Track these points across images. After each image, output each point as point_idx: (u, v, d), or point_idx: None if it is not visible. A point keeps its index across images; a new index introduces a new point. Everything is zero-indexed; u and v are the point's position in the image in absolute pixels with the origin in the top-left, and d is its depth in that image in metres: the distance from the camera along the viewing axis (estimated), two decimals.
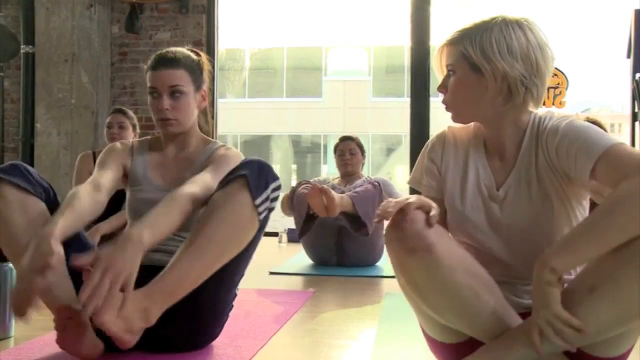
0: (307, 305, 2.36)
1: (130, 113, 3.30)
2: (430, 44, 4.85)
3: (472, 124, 1.38)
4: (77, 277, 1.47)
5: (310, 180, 3.44)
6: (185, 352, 1.62)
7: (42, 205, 1.56)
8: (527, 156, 1.29)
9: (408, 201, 1.17)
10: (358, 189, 3.27)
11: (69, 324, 1.41)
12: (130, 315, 1.39)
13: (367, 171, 3.79)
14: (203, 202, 1.53)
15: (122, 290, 1.32)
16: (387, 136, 18.89)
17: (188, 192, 1.52)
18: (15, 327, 1.85)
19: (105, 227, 2.80)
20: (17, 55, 4.91)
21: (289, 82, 19.19)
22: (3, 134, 5.02)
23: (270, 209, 1.56)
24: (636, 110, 4.38)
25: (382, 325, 2.01)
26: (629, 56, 4.47)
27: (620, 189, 1.07)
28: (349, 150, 3.65)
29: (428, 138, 4.98)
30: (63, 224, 1.44)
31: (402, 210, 1.17)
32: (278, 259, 3.74)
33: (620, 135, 16.08)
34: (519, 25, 1.25)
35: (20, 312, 1.36)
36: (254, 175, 1.50)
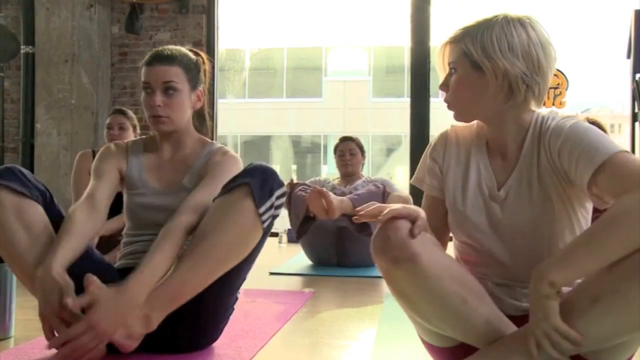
0: (307, 306, 2.36)
1: (130, 113, 3.27)
2: (430, 44, 4.85)
3: (474, 123, 1.37)
4: (77, 278, 1.48)
5: (307, 182, 3.43)
6: (186, 353, 1.62)
7: (39, 209, 1.54)
8: (529, 156, 1.28)
9: (394, 210, 1.17)
10: (360, 192, 3.27)
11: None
12: (131, 322, 1.40)
13: (367, 171, 3.77)
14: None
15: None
16: (387, 136, 18.88)
17: (185, 225, 1.51)
18: (15, 327, 1.85)
19: (104, 229, 2.79)
20: (17, 56, 4.91)
21: (289, 83, 19.18)
22: (3, 134, 5.02)
23: (275, 216, 1.55)
24: (636, 110, 4.38)
25: (382, 326, 2.01)
26: (629, 56, 4.47)
27: (620, 203, 1.06)
28: (349, 151, 3.65)
29: (428, 138, 4.93)
30: (63, 254, 1.47)
31: (387, 220, 1.17)
32: (278, 259, 3.74)
33: (620, 135, 16.07)
34: (520, 22, 1.24)
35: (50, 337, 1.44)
36: (258, 183, 1.49)
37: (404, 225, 1.17)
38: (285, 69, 19.15)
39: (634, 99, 4.38)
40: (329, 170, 16.98)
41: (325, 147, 18.85)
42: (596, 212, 1.29)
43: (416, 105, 4.91)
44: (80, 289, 1.41)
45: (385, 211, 1.18)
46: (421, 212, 1.20)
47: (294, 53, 19.17)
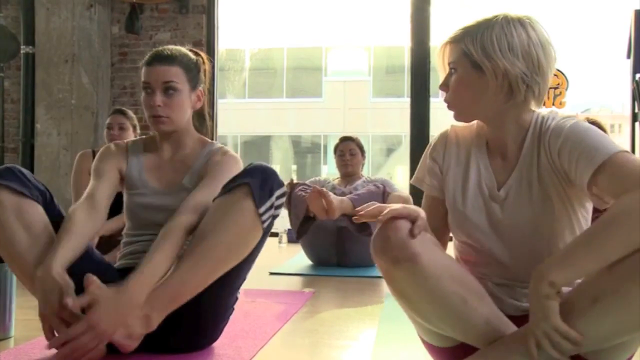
0: (307, 306, 2.36)
1: (131, 113, 3.26)
2: (430, 44, 4.85)
3: (475, 123, 1.37)
4: (77, 277, 1.48)
5: (307, 182, 3.43)
6: (186, 353, 1.62)
7: (39, 209, 1.54)
8: (529, 156, 1.28)
9: (394, 210, 1.17)
10: (360, 192, 3.27)
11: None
12: (131, 322, 1.40)
13: (367, 171, 3.77)
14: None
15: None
16: (387, 136, 18.88)
17: (185, 225, 1.51)
18: (15, 327, 1.85)
19: (104, 229, 2.78)
20: (17, 56, 4.91)
21: (289, 83, 19.18)
22: (3, 135, 5.02)
23: (275, 216, 1.55)
24: (636, 110, 4.38)
25: (382, 326, 2.01)
26: (629, 56, 4.47)
27: (620, 203, 1.06)
28: (349, 151, 3.65)
29: (428, 139, 4.92)
30: (63, 254, 1.47)
31: (387, 220, 1.17)
32: (278, 259, 3.74)
33: (620, 135, 16.07)
34: (520, 22, 1.24)
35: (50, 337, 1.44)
36: (258, 183, 1.49)
37: (404, 225, 1.17)
38: (285, 69, 19.15)
39: (634, 99, 4.38)
40: (329, 171, 16.98)
41: (325, 147, 18.85)
42: (596, 212, 1.29)
43: (416, 105, 4.91)
44: (80, 289, 1.41)
45: (385, 211, 1.18)
46: (421, 212, 1.20)
47: (294, 53, 19.17)
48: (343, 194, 3.39)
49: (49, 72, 4.95)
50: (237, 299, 1.69)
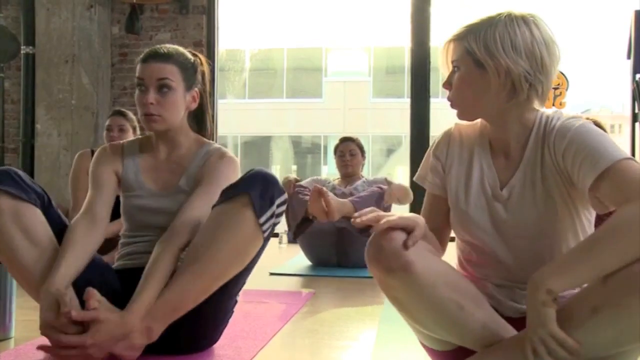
0: (307, 306, 2.36)
1: (130, 115, 3.23)
2: (430, 45, 4.85)
3: (478, 121, 1.36)
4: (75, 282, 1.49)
5: (308, 180, 3.42)
6: (186, 354, 1.62)
7: (37, 212, 1.53)
8: (533, 156, 1.27)
9: (391, 221, 1.16)
10: (362, 194, 3.27)
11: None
12: (132, 336, 1.40)
13: (367, 172, 3.76)
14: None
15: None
16: (387, 137, 18.87)
17: (180, 246, 1.51)
18: (16, 328, 1.85)
19: (106, 232, 2.77)
20: (17, 56, 4.91)
21: (289, 83, 19.17)
22: (3, 135, 5.02)
23: (276, 224, 1.54)
24: (636, 111, 4.38)
25: (382, 327, 2.01)
26: (629, 57, 4.47)
27: (621, 214, 1.05)
28: (349, 151, 3.65)
29: (428, 139, 4.90)
30: (64, 272, 1.47)
31: (383, 230, 1.16)
32: (278, 260, 3.74)
33: (620, 136, 16.06)
34: (524, 20, 1.22)
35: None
36: (259, 192, 1.47)
37: (399, 236, 1.16)
38: (286, 69, 19.14)
39: (634, 100, 4.38)
40: (329, 171, 16.97)
41: (326, 147, 18.84)
42: (599, 216, 1.29)
43: (416, 105, 4.91)
44: (81, 294, 1.43)
45: (383, 221, 1.17)
46: (420, 221, 1.19)
47: (294, 53, 19.16)
48: (343, 194, 3.39)
49: (49, 73, 4.95)
50: (236, 301, 1.69)
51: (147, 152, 1.76)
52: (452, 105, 1.31)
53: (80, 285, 1.47)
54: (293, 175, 3.40)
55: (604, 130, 1.69)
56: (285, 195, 1.56)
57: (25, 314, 1.94)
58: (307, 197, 3.14)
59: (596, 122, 2.27)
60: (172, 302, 1.45)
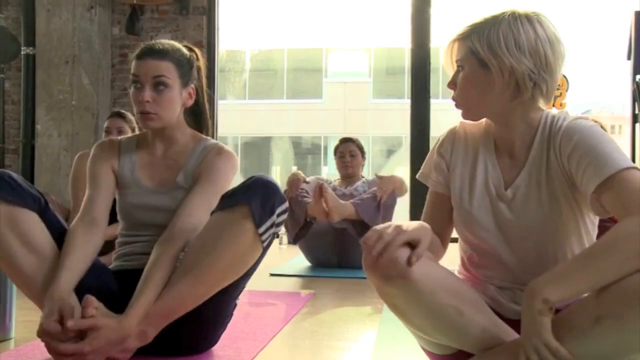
0: (308, 307, 2.36)
1: (129, 116, 3.21)
2: (430, 46, 4.84)
3: (484, 120, 1.35)
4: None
5: (309, 179, 3.42)
6: (186, 356, 1.62)
7: (34, 217, 1.51)
8: (538, 157, 1.26)
9: (398, 236, 1.14)
10: (364, 196, 3.28)
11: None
12: (126, 339, 1.40)
13: (367, 173, 3.77)
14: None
15: None
16: (388, 138, 18.86)
17: (178, 250, 1.50)
18: (16, 328, 1.85)
19: (105, 235, 2.77)
20: (17, 57, 4.91)
21: (290, 84, 19.17)
22: (4, 136, 5.02)
23: (276, 233, 1.53)
24: (636, 111, 4.38)
25: (382, 328, 2.01)
26: (629, 58, 4.47)
27: (621, 227, 1.05)
28: (349, 152, 3.65)
29: (429, 140, 4.89)
30: (67, 279, 1.46)
31: (387, 245, 1.14)
32: (278, 261, 3.74)
33: (620, 137, 16.04)
34: (528, 19, 1.22)
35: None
36: (259, 202, 1.46)
37: (403, 253, 1.14)
38: (286, 70, 19.14)
39: (634, 100, 4.38)
40: (329, 171, 16.96)
41: (326, 148, 18.83)
42: (603, 221, 1.28)
43: (416, 106, 4.90)
44: (78, 295, 1.44)
45: (389, 239, 1.14)
46: (425, 234, 1.18)
47: (294, 54, 19.16)
48: (343, 195, 3.39)
49: (50, 73, 4.95)
50: (236, 304, 1.68)
51: (144, 149, 1.74)
52: (457, 105, 1.30)
53: (77, 288, 1.47)
54: (302, 174, 3.39)
55: (604, 130, 1.68)
56: (287, 204, 1.53)
57: (25, 314, 1.94)
58: (307, 199, 3.15)
59: (597, 122, 2.27)
60: (168, 307, 1.45)
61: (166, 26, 5.15)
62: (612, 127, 17.30)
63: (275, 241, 4.62)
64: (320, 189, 3.02)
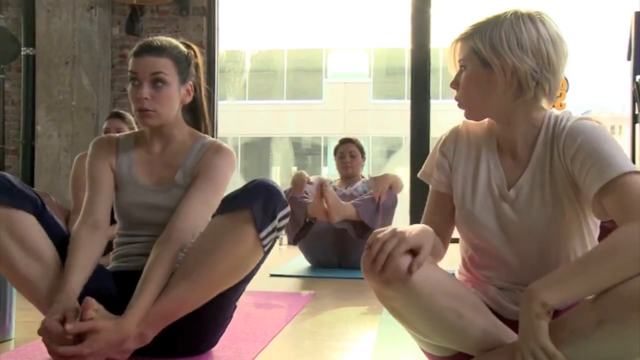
0: (308, 308, 2.36)
1: (129, 117, 3.21)
2: (430, 46, 4.84)
3: (486, 119, 1.35)
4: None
5: (312, 179, 3.42)
6: (184, 357, 1.61)
7: (31, 219, 1.49)
8: (541, 157, 1.25)
9: (400, 245, 1.13)
10: (365, 197, 3.28)
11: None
12: (125, 341, 1.40)
13: (367, 173, 3.77)
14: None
15: None
16: (388, 138, 18.86)
17: (177, 250, 1.50)
18: (16, 329, 1.84)
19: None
20: (17, 58, 4.91)
21: (290, 84, 19.17)
22: (4, 136, 5.02)
23: (277, 237, 1.52)
24: (636, 112, 4.37)
25: (382, 328, 2.01)
26: (629, 58, 4.46)
27: (621, 233, 1.05)
28: (349, 153, 3.65)
29: (428, 140, 4.90)
30: (74, 286, 1.47)
31: (389, 257, 1.13)
32: (279, 261, 3.74)
33: (620, 137, 16.05)
34: (530, 18, 1.22)
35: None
36: (261, 206, 1.45)
37: (404, 261, 1.14)
38: (286, 70, 19.14)
39: (634, 101, 4.38)
40: (329, 172, 16.96)
41: (326, 148, 18.83)
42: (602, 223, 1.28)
43: (416, 107, 4.90)
44: (80, 299, 1.44)
45: (392, 261, 1.13)
46: (428, 240, 1.18)
47: (294, 55, 19.17)
48: (343, 196, 3.40)
49: (50, 74, 4.95)
50: (235, 307, 1.68)
51: (142, 147, 1.72)
52: (460, 105, 1.30)
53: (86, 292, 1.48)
54: (306, 174, 3.39)
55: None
56: (288, 209, 1.52)
57: (25, 315, 1.94)
58: (307, 200, 3.15)
59: (597, 122, 2.27)
60: (168, 309, 1.45)
61: (166, 27, 5.15)
62: (612, 127, 17.29)
63: (275, 242, 4.63)
64: (321, 186, 3.02)
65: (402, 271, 1.13)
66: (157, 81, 1.60)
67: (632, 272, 1.02)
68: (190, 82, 1.70)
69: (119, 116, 3.21)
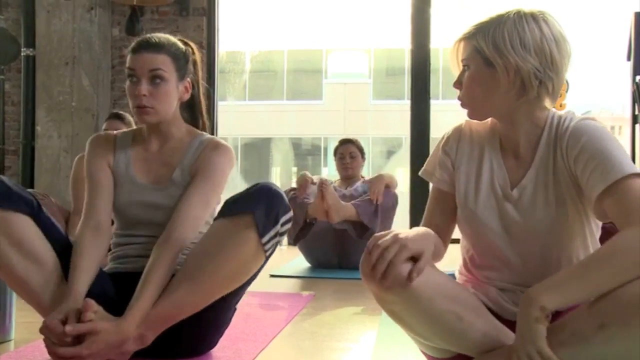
0: (308, 308, 2.35)
1: (128, 117, 3.20)
2: (430, 47, 4.84)
3: (489, 119, 1.34)
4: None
5: (313, 177, 3.43)
6: (184, 357, 1.61)
7: (27, 221, 1.48)
8: (545, 157, 1.25)
9: (400, 253, 1.13)
10: (365, 197, 3.28)
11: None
12: (124, 342, 1.40)
13: (367, 173, 3.76)
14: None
15: None
16: (388, 139, 18.86)
17: (176, 251, 1.50)
18: (16, 329, 1.84)
19: None
20: (17, 58, 4.91)
21: (290, 85, 19.18)
22: (4, 137, 5.01)
23: (279, 241, 1.52)
24: (636, 112, 4.37)
25: (382, 328, 2.01)
26: (629, 59, 4.46)
27: (621, 238, 1.05)
28: (349, 154, 3.65)
29: (428, 141, 4.90)
30: (83, 281, 1.47)
31: (391, 263, 1.13)
32: (279, 262, 3.74)
33: (620, 137, 16.05)
34: (533, 17, 1.21)
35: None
36: (263, 211, 1.44)
37: (404, 268, 1.14)
38: (286, 71, 19.15)
39: (634, 101, 4.38)
40: (329, 172, 16.97)
41: (326, 149, 18.83)
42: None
43: (416, 107, 4.90)
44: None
45: (392, 269, 1.13)
46: (429, 245, 1.18)
47: (294, 55, 19.17)
48: (343, 196, 3.40)
49: (50, 75, 4.95)
50: (235, 310, 1.67)
51: (139, 144, 1.71)
52: (463, 105, 1.30)
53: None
54: (310, 175, 3.39)
55: None
56: (291, 213, 1.52)
57: (25, 315, 1.93)
58: (307, 201, 3.16)
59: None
60: (168, 312, 1.45)
61: (166, 27, 5.14)
62: (612, 127, 17.30)
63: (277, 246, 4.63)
64: (321, 185, 3.03)
65: (402, 278, 1.13)
66: (155, 78, 1.59)
67: (632, 276, 1.02)
68: (189, 79, 1.69)
69: (119, 117, 3.21)
